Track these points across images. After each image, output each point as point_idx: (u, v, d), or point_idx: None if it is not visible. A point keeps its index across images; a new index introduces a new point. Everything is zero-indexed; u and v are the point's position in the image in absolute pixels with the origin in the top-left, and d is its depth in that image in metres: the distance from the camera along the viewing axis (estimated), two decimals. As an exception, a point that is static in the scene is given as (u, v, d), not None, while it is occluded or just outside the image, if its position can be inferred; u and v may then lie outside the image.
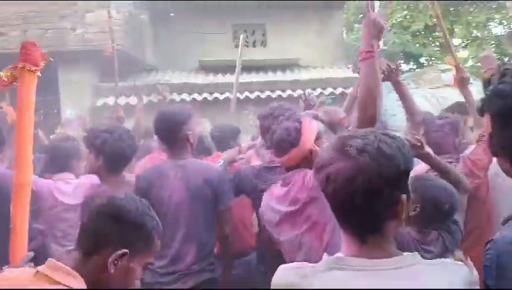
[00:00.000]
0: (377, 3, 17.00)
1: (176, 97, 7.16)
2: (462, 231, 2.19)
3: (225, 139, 3.50)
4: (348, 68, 12.43)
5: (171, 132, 2.42)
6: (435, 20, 13.25)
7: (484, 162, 2.60)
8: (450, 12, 15.66)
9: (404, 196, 1.04)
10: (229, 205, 2.49)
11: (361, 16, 17.95)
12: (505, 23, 14.42)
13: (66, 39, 7.07)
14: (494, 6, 14.97)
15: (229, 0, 8.25)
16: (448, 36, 3.81)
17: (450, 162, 2.65)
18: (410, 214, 2.08)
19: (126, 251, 1.32)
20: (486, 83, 1.21)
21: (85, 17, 7.17)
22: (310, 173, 1.96)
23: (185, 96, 7.45)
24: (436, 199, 2.02)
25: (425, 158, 2.34)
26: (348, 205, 1.03)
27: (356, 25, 17.18)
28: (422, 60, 16.02)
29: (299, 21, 8.81)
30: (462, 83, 3.23)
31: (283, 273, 1.11)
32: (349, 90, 7.53)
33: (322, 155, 1.10)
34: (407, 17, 16.24)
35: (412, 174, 1.13)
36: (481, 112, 1.23)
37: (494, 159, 2.70)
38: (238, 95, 7.40)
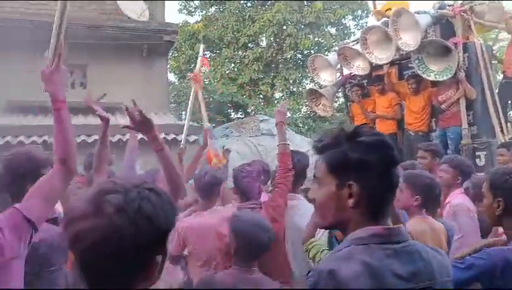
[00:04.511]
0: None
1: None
2: None
3: None
4: (182, 114, 12.53)
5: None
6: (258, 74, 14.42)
7: (281, 207, 2.78)
8: (272, 69, 17.37)
9: (159, 258, 0.97)
10: None
11: (193, 66, 18.70)
12: (316, 81, 16.49)
13: None
14: (307, 65, 17.09)
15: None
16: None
17: (254, 208, 2.77)
18: (232, 253, 2.14)
19: None
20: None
21: None
22: None
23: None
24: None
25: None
26: (96, 267, 0.92)
27: (188, 74, 17.77)
28: (249, 110, 17.25)
29: (124, 65, 8.62)
30: None
31: None
32: (169, 137, 7.60)
33: (73, 208, 0.95)
34: (235, 69, 17.44)
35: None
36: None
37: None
38: (46, 139, 6.81)
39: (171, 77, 18.56)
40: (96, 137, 7.14)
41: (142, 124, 2.00)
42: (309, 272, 1.15)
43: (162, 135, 7.47)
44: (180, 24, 16.81)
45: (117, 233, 0.90)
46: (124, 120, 7.86)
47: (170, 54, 14.59)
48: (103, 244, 0.90)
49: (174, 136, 7.49)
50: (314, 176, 1.30)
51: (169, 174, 1.93)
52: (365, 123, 6.65)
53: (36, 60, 7.11)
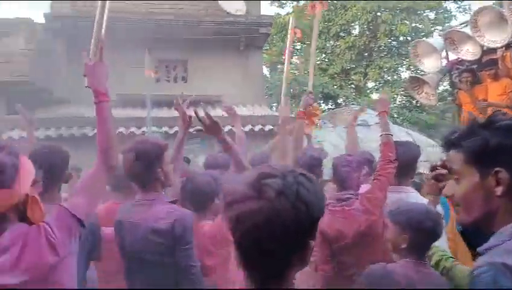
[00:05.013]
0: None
1: (89, 131, 6.82)
2: None
3: None
4: (272, 106, 12.73)
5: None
6: (350, 64, 14.09)
7: (379, 199, 2.67)
8: (364, 57, 16.86)
9: (312, 242, 1.00)
10: None
11: (284, 57, 18.72)
12: (412, 68, 15.73)
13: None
14: (403, 52, 16.34)
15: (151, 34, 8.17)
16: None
17: (350, 198, 2.72)
18: (402, 246, 2.05)
19: None
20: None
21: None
22: (47, 226, 1.59)
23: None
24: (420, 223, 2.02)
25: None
26: (256, 248, 0.95)
27: (279, 66, 17.90)
28: (340, 100, 16.94)
29: (221, 59, 8.92)
30: None
31: None
32: (266, 128, 7.73)
33: (234, 190, 0.99)
34: (326, 60, 17.21)
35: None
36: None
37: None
38: (156, 129, 7.28)
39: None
40: (199, 127, 7.49)
41: (211, 127, 2.14)
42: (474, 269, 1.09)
43: (259, 126, 7.64)
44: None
45: (278, 216, 0.92)
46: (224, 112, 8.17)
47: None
48: (265, 227, 0.93)
49: (271, 127, 7.60)
50: (446, 171, 1.24)
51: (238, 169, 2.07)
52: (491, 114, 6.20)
53: (142, 56, 7.67)
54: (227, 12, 8.70)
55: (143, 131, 7.17)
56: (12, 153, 1.58)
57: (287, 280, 1.00)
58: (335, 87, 16.24)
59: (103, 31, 2.01)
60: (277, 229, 0.93)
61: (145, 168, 2.28)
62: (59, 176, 2.22)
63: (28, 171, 1.61)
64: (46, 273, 1.58)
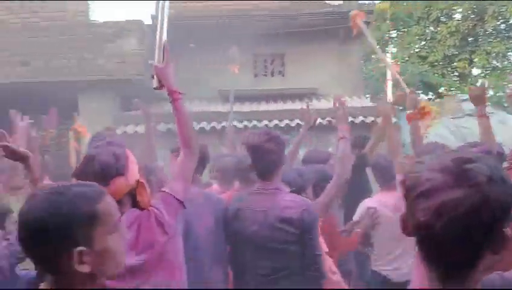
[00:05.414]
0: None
1: (195, 125, 7.13)
2: None
3: None
4: (367, 97, 12.34)
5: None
6: (453, 50, 13.07)
7: None
8: (469, 42, 15.63)
9: (509, 230, 0.92)
10: None
11: (378, 46, 17.98)
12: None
13: (87, 69, 7.19)
14: (513, 36, 14.92)
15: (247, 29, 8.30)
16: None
17: None
18: None
19: None
20: None
21: (106, 47, 7.30)
22: (156, 209, 1.81)
23: (203, 124, 7.43)
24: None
25: None
26: (461, 238, 0.89)
27: (373, 56, 17.25)
28: (441, 90, 15.91)
29: (318, 51, 8.80)
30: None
31: None
32: (368, 120, 7.47)
33: (427, 178, 0.91)
34: (425, 47, 16.27)
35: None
36: None
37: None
38: (256, 123, 7.41)
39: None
40: (298, 121, 7.51)
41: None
42: None
43: (360, 118, 7.42)
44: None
45: (488, 203, 0.87)
46: (320, 104, 8.07)
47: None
48: (474, 215, 0.87)
49: (372, 118, 7.35)
50: None
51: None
52: None
53: (241, 52, 7.83)
54: (325, 3, 8.56)
55: (248, 125, 7.35)
56: (120, 145, 1.77)
57: (479, 270, 0.93)
58: (436, 75, 15.27)
59: (165, 33, 2.12)
60: (485, 216, 0.87)
61: (266, 159, 2.34)
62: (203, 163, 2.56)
63: (134, 161, 1.77)
64: (160, 252, 1.76)
